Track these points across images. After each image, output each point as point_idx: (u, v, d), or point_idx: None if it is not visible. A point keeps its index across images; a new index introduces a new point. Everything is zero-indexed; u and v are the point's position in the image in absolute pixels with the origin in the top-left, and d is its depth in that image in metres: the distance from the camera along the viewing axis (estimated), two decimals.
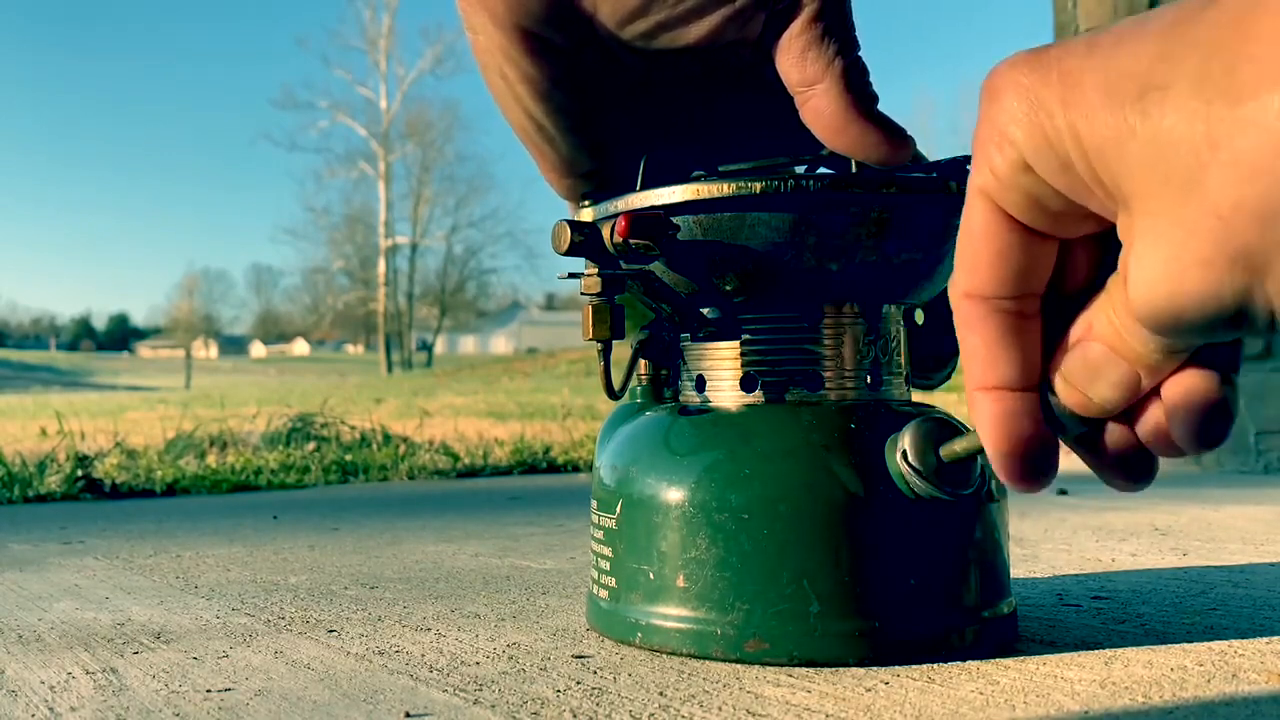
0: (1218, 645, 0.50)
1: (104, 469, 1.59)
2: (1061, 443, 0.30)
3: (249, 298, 47.52)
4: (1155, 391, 0.28)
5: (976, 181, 0.27)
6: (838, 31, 0.44)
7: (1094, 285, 0.28)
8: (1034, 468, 0.29)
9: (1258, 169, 0.22)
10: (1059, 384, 0.29)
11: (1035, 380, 0.29)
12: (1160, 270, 0.24)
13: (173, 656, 0.51)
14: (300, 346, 46.68)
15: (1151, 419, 0.28)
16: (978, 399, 0.29)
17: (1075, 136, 0.25)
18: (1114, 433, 0.29)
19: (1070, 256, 0.28)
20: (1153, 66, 0.23)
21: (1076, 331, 0.28)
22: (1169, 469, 1.68)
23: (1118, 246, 0.26)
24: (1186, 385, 0.27)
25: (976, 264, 0.28)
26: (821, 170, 0.50)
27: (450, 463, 1.85)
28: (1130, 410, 0.28)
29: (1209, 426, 0.27)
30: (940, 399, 4.05)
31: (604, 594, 0.52)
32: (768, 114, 0.48)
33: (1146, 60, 0.24)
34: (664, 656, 0.48)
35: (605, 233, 0.48)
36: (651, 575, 0.49)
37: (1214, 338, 0.25)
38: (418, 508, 1.27)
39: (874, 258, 0.47)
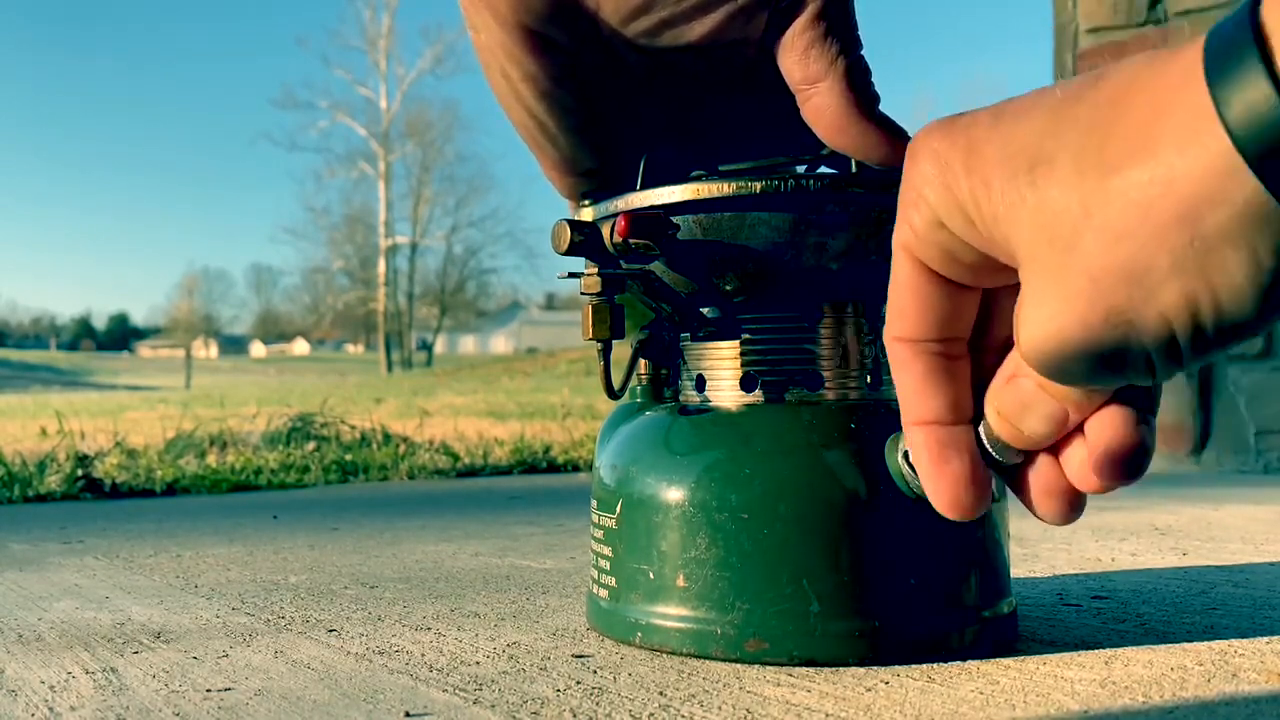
0: (1218, 645, 0.50)
1: (104, 469, 1.59)
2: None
3: (249, 297, 47.57)
4: (1080, 428, 0.30)
5: (899, 237, 0.30)
6: (840, 30, 0.44)
7: None
8: (967, 496, 0.31)
9: (1122, 235, 0.24)
10: (992, 417, 0.31)
11: (965, 416, 0.31)
12: (1043, 326, 0.26)
13: (173, 656, 0.51)
14: (300, 346, 46.67)
15: (1076, 455, 0.30)
16: (912, 432, 0.32)
17: (975, 202, 0.27)
18: (1042, 467, 0.31)
19: (996, 301, 0.30)
20: (1041, 142, 0.26)
21: (1008, 368, 0.30)
22: (1169, 469, 1.68)
23: None
24: (1106, 423, 0.29)
25: (904, 311, 0.30)
26: (822, 170, 0.50)
27: (450, 462, 1.85)
28: (1056, 445, 0.30)
29: (1128, 463, 0.29)
30: None
31: (604, 594, 0.52)
32: (769, 114, 0.48)
33: (1036, 136, 0.26)
34: (664, 656, 0.48)
35: (605, 232, 0.48)
36: (651, 575, 0.49)
37: (1097, 383, 0.28)
38: (418, 507, 1.27)
39: (874, 257, 0.47)
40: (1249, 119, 0.22)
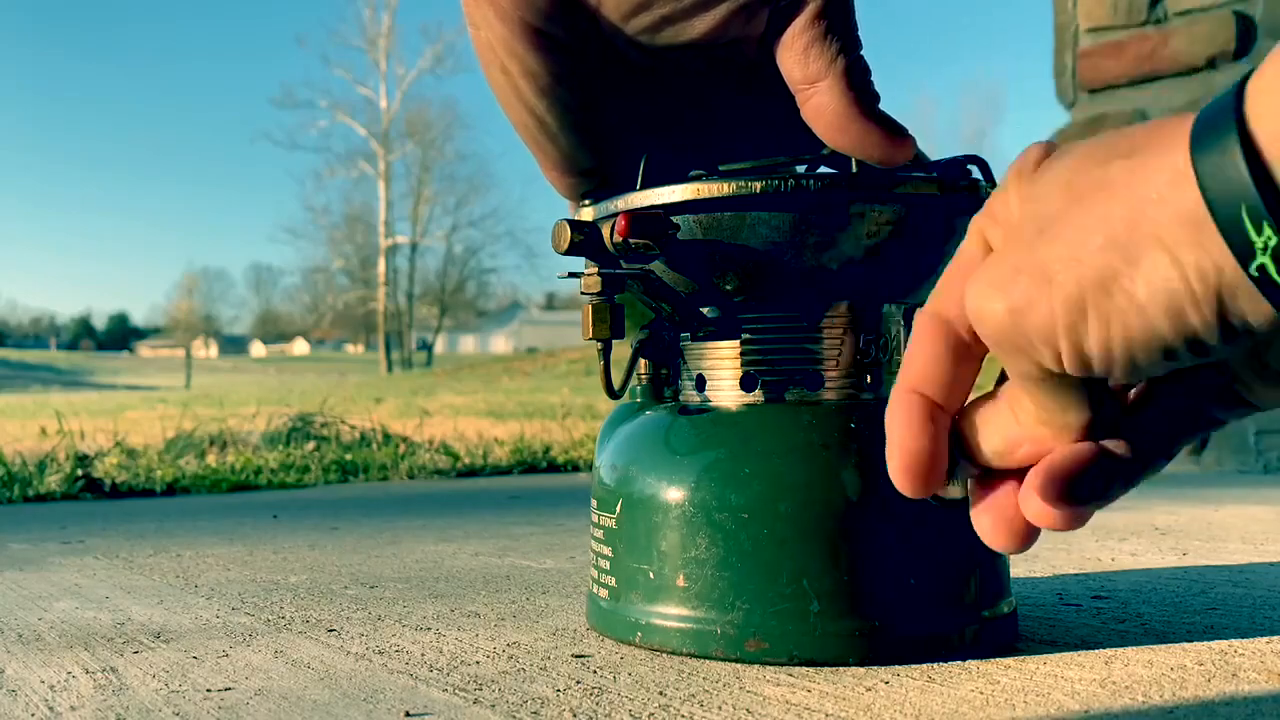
0: (1218, 644, 0.50)
1: (104, 468, 1.59)
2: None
3: (249, 297, 47.62)
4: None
5: (980, 219, 0.29)
6: (840, 29, 0.44)
7: None
8: (919, 478, 0.30)
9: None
10: (963, 420, 0.30)
11: (954, 408, 0.30)
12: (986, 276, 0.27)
13: (173, 656, 0.51)
14: (300, 346, 46.68)
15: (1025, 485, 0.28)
16: (902, 397, 0.30)
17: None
18: (999, 491, 0.29)
19: None
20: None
21: (994, 388, 0.30)
22: (1169, 468, 1.68)
23: None
24: (1063, 448, 0.28)
25: (954, 293, 0.30)
26: (822, 170, 0.50)
27: (450, 462, 1.84)
28: (1021, 475, 0.29)
29: (1070, 482, 0.27)
30: None
31: (604, 593, 0.52)
32: (770, 113, 0.48)
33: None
34: (664, 656, 0.48)
35: (605, 232, 0.48)
36: (651, 575, 0.49)
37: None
38: (418, 507, 1.27)
39: (874, 257, 0.47)
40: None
